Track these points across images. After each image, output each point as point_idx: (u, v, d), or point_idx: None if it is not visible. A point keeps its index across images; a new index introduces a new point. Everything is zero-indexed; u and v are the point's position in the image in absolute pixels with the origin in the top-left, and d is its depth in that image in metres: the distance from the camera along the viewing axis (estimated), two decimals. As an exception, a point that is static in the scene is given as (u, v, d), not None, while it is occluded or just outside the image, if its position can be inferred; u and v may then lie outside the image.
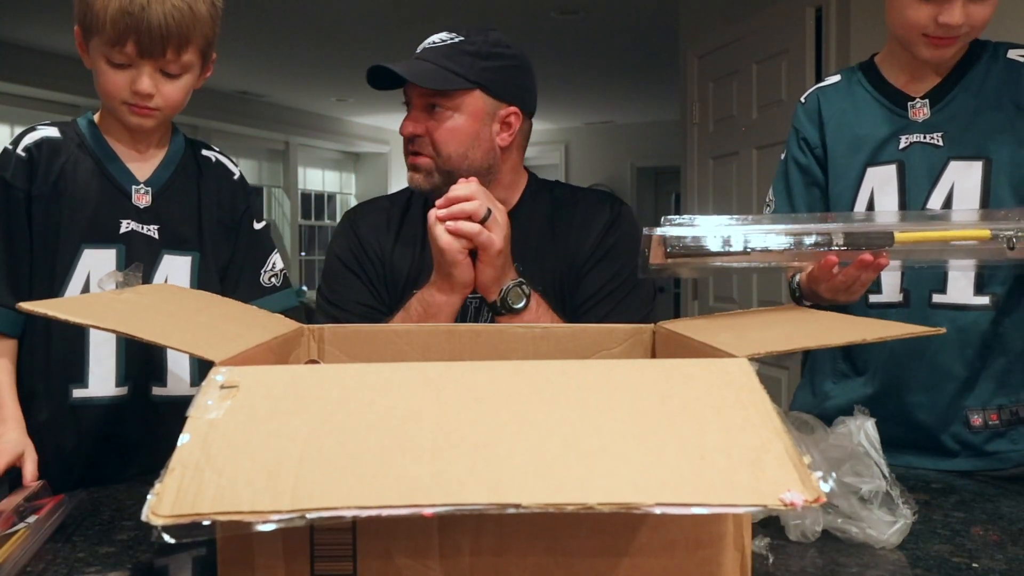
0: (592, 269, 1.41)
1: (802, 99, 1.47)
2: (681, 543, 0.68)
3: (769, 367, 3.22)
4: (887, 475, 0.94)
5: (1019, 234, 1.04)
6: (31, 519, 0.97)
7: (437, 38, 1.40)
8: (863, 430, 0.96)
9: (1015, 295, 1.30)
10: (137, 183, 1.32)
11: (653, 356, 1.08)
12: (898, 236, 1.05)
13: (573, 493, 0.55)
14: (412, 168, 1.40)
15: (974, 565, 0.87)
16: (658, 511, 0.54)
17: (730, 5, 3.67)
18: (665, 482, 0.56)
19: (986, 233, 1.04)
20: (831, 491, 0.93)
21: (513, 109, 1.40)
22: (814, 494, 0.55)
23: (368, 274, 1.44)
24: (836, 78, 1.44)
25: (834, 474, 0.92)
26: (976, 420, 1.29)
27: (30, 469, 1.16)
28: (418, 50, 1.41)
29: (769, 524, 0.95)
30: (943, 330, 0.93)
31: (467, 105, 1.37)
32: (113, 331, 0.81)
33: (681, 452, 0.59)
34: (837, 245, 1.05)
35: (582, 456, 0.58)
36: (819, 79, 1.50)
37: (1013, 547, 0.94)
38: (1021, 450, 1.29)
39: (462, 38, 1.38)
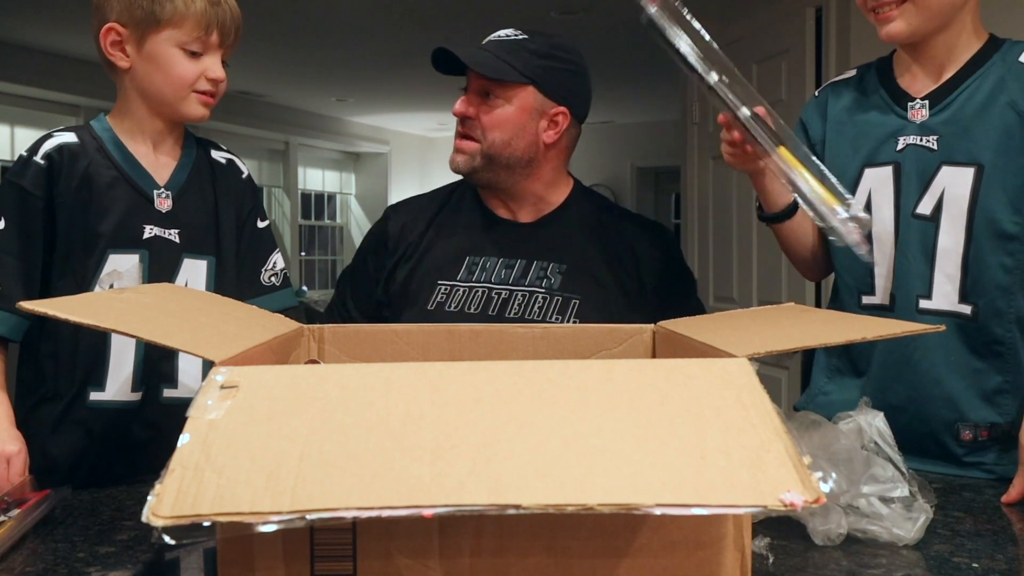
0: (671, 306, 1.35)
1: (816, 93, 1.47)
2: (681, 544, 0.68)
3: (769, 367, 3.22)
4: (904, 472, 0.94)
5: (833, 226, 1.12)
6: (14, 512, 0.97)
7: (504, 33, 1.49)
8: (874, 426, 0.95)
9: (999, 306, 1.24)
10: (158, 187, 1.32)
11: (653, 356, 1.08)
12: (780, 152, 1.17)
13: (573, 494, 0.55)
14: (457, 150, 1.48)
15: (974, 565, 0.87)
16: (658, 512, 0.54)
17: (730, 5, 3.66)
18: (665, 483, 0.56)
19: (834, 202, 1.14)
20: (851, 493, 0.92)
21: (562, 109, 1.48)
22: (814, 494, 0.55)
23: (383, 262, 1.52)
24: (851, 73, 1.43)
25: (834, 474, 0.92)
26: (966, 435, 1.25)
27: (17, 467, 1.16)
28: (484, 41, 1.49)
29: (785, 526, 0.94)
30: (943, 327, 0.93)
31: (518, 98, 1.45)
32: (113, 330, 0.81)
33: (681, 452, 0.59)
34: (744, 120, 1.20)
35: (582, 456, 0.58)
36: (819, 79, 1.50)
37: (1013, 547, 0.94)
38: (1006, 465, 1.23)
39: (526, 36, 1.48)
